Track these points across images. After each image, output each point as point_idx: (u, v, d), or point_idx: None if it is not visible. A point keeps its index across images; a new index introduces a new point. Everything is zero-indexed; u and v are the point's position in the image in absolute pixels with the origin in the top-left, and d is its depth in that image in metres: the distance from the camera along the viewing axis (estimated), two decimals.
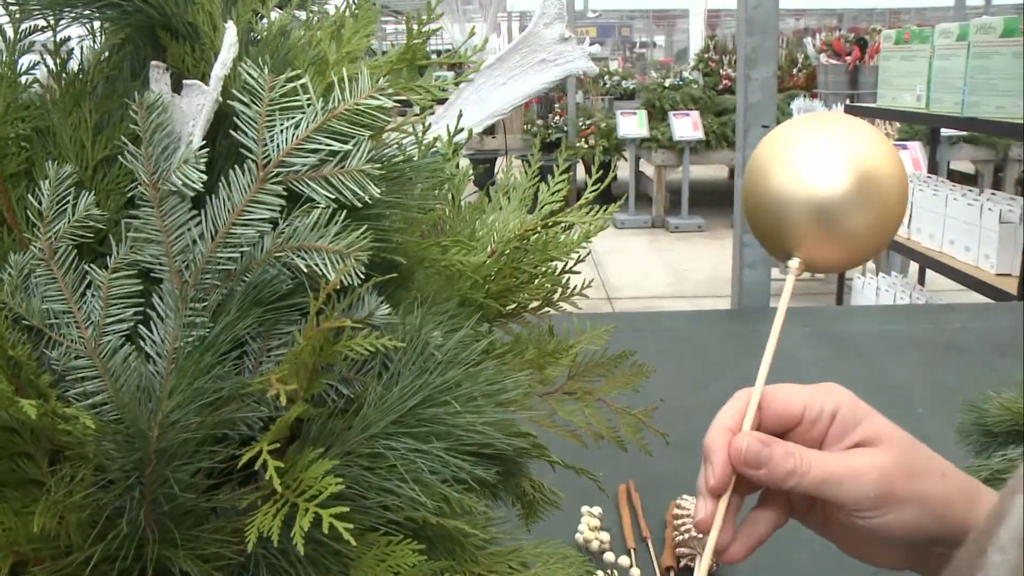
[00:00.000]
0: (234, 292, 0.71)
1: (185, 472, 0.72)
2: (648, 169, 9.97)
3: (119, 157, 0.78)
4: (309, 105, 0.70)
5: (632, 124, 9.04)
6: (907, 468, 0.68)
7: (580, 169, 10.11)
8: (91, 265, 0.77)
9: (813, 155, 0.74)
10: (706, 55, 11.14)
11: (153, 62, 0.73)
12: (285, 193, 0.69)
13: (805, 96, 6.86)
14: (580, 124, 9.92)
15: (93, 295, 0.76)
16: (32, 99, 0.84)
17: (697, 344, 2.28)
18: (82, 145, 0.80)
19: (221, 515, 0.73)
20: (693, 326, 2.43)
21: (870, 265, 5.54)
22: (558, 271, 0.93)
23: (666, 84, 9.98)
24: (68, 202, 0.77)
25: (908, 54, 4.00)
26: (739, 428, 0.71)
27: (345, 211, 0.68)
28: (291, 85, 0.70)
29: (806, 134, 0.76)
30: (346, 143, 0.69)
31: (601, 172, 0.90)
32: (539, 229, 0.87)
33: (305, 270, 0.68)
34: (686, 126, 8.93)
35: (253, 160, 0.69)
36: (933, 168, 4.98)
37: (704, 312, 2.58)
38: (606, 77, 10.94)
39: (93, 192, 0.77)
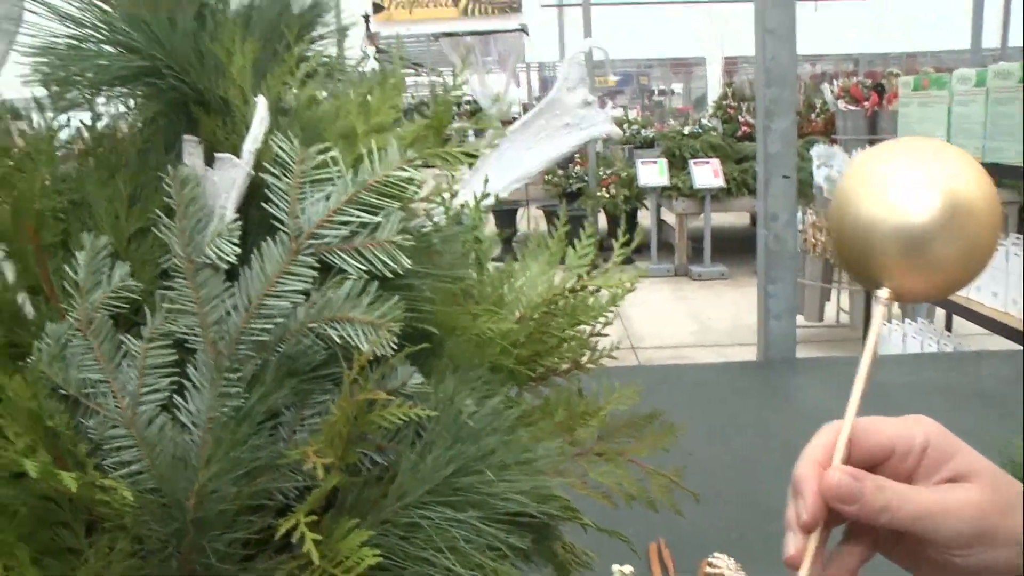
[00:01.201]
0: (268, 362, 0.72)
1: (222, 542, 0.72)
2: (669, 217, 9.98)
3: (153, 229, 0.80)
4: (340, 177, 0.71)
5: (653, 173, 9.07)
6: (1002, 504, 0.67)
7: (602, 218, 10.13)
8: (126, 335, 0.78)
9: (902, 182, 0.71)
10: (724, 102, 11.20)
11: (186, 136, 0.74)
12: (317, 264, 0.70)
13: (824, 142, 6.87)
14: (601, 174, 9.96)
15: (129, 365, 0.77)
16: (68, 172, 0.86)
17: (723, 397, 2.26)
18: (116, 217, 0.82)
19: None
20: (719, 378, 2.42)
21: (896, 311, 5.51)
22: (587, 334, 0.93)
23: (685, 132, 10.02)
24: (104, 273, 0.78)
25: (927, 100, 4.01)
26: (829, 462, 0.69)
27: (377, 281, 0.69)
28: (322, 157, 0.71)
29: (894, 160, 0.72)
30: (376, 214, 0.70)
31: (628, 236, 0.91)
32: (567, 294, 0.88)
33: (339, 340, 0.69)
34: (707, 174, 8.96)
35: (285, 232, 0.70)
36: None
37: (730, 364, 2.57)
38: (625, 126, 11.00)
39: (128, 263, 0.78)
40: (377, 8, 12.78)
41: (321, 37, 0.90)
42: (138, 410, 0.76)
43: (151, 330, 0.76)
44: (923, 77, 4.00)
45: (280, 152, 0.71)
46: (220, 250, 0.70)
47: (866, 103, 6.17)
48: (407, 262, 0.69)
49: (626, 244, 0.89)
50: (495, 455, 0.72)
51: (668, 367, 2.53)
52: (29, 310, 0.87)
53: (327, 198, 0.70)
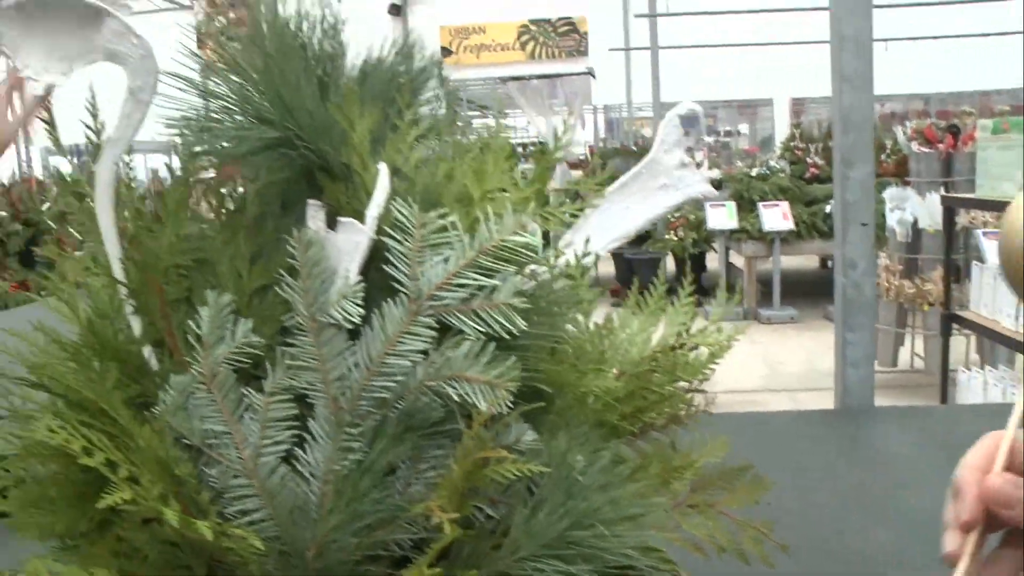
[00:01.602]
0: (388, 418, 0.75)
1: None
2: (738, 260, 9.92)
3: (274, 287, 0.84)
4: (458, 241, 0.74)
5: (722, 216, 9.04)
6: None
7: (670, 261, 10.11)
8: (248, 388, 0.82)
9: None
10: (792, 143, 11.13)
11: (310, 201, 0.78)
12: (436, 325, 0.73)
13: (897, 184, 6.79)
14: (669, 217, 9.95)
15: (251, 417, 0.81)
16: (193, 232, 0.90)
17: (802, 446, 2.25)
18: (239, 275, 0.86)
19: None
20: (797, 426, 2.40)
21: (973, 357, 5.41)
22: (685, 390, 0.95)
23: (753, 174, 9.98)
24: (227, 328, 0.82)
25: (1006, 144, 3.97)
26: (990, 468, 0.71)
27: (494, 342, 0.72)
28: (440, 223, 0.75)
29: None
30: (493, 277, 0.73)
31: (727, 298, 0.93)
32: (668, 352, 0.90)
33: (457, 399, 0.72)
34: (776, 217, 8.90)
35: (406, 294, 0.74)
36: None
37: (807, 412, 2.56)
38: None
39: (250, 319, 0.82)
40: (446, 52, 12.98)
41: (428, 101, 0.94)
42: (260, 461, 0.80)
43: (273, 384, 0.80)
44: (1003, 120, 3.96)
45: (400, 217, 0.75)
46: (346, 311, 0.73)
47: (941, 145, 6.10)
48: (523, 324, 0.72)
49: (695, 291, 0.91)
50: (606, 510, 0.74)
51: (746, 415, 2.52)
52: (154, 362, 0.91)
53: (446, 261, 0.74)
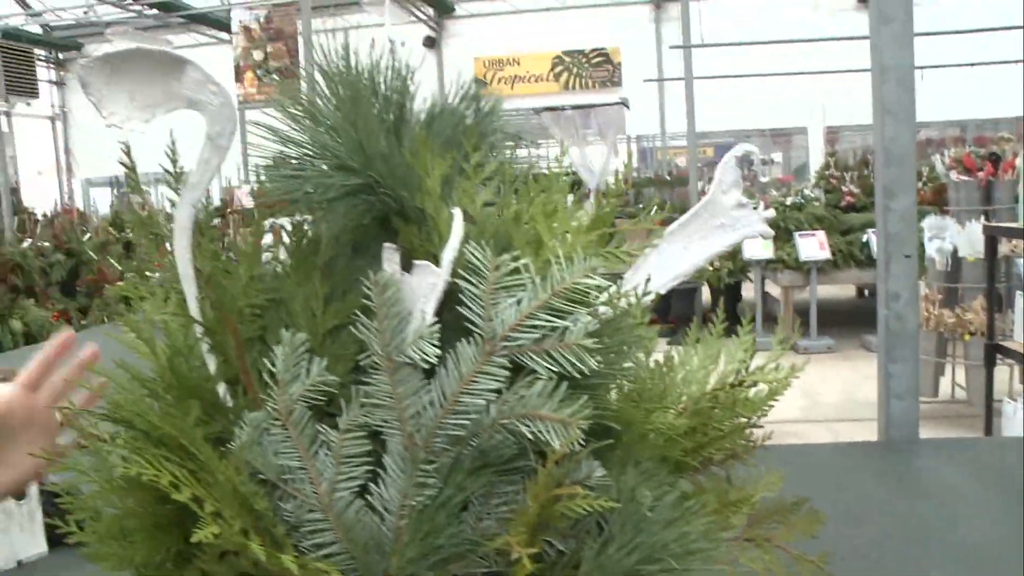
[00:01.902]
0: (462, 455, 0.77)
1: None
2: (774, 289, 9.89)
3: (348, 327, 0.87)
4: (530, 283, 0.76)
5: (757, 246, 9.01)
6: None
7: (705, 291, 10.09)
8: (321, 425, 0.85)
9: None
10: (827, 172, 11.10)
11: (386, 244, 0.81)
12: (510, 365, 0.76)
13: (935, 212, 6.75)
14: None
15: (326, 453, 0.83)
16: (267, 272, 0.93)
17: (846, 480, 2.24)
18: (313, 315, 0.89)
19: None
20: (842, 459, 2.40)
21: (1017, 387, 5.36)
22: (744, 426, 0.97)
23: (788, 203, 9.96)
24: (302, 367, 0.85)
25: None
26: None
27: (566, 381, 0.74)
28: (513, 266, 0.77)
29: None
30: (564, 319, 0.76)
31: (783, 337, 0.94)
32: (728, 389, 0.92)
33: (530, 436, 0.74)
34: (812, 246, 8.87)
35: (480, 334, 0.76)
36: None
37: (853, 444, 2.55)
38: None
39: (324, 358, 0.85)
40: (479, 84, 13.08)
41: (493, 145, 0.97)
42: (335, 496, 0.82)
43: (348, 421, 0.82)
44: None
45: (473, 260, 0.77)
46: (423, 352, 0.76)
47: (980, 173, 6.07)
48: (594, 363, 0.74)
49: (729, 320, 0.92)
50: (674, 545, 0.76)
51: (790, 447, 2.51)
52: (228, 399, 0.94)
53: (518, 303, 0.76)
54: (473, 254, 0.77)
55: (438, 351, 0.76)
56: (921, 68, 2.85)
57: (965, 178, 6.13)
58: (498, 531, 0.77)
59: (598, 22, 16.60)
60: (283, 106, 0.86)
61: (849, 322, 9.59)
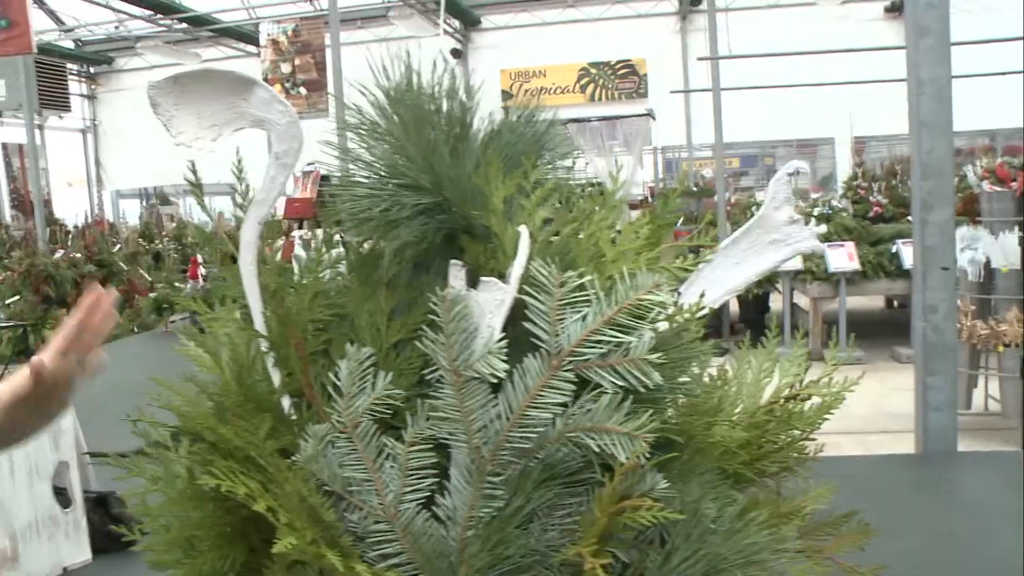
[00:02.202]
0: (530, 467, 0.78)
1: None
2: (802, 300, 9.83)
3: (413, 341, 0.89)
4: (596, 300, 0.78)
5: None
6: None
7: (733, 302, 10.03)
8: (387, 437, 0.87)
9: None
10: (855, 183, 11.02)
11: (453, 261, 0.83)
12: (576, 380, 0.77)
13: (967, 223, 6.68)
14: None
15: (392, 465, 0.85)
16: (331, 288, 0.96)
17: (886, 491, 2.24)
18: (377, 329, 0.91)
19: None
20: (881, 471, 2.40)
21: None
22: (798, 439, 0.98)
23: (815, 214, 9.90)
24: (367, 380, 0.87)
25: None
26: None
27: (631, 395, 0.76)
28: (578, 283, 0.79)
29: None
30: (629, 334, 0.77)
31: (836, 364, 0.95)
32: (783, 403, 0.93)
33: (596, 449, 0.76)
34: (841, 257, 8.80)
35: (546, 349, 0.78)
36: None
37: (890, 457, 2.55)
38: (753, 208, 10.95)
39: (389, 372, 0.87)
40: (506, 95, 13.11)
41: (551, 163, 0.99)
42: (401, 507, 0.84)
43: (414, 434, 0.84)
44: None
45: (539, 276, 0.79)
46: (492, 366, 0.77)
47: (1014, 184, 6.01)
48: (658, 378, 0.76)
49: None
50: (735, 556, 0.77)
51: (829, 459, 2.51)
52: (291, 412, 0.96)
53: (583, 319, 0.78)
54: (539, 271, 0.79)
55: (507, 366, 0.77)
56: (953, 77, 2.84)
57: (998, 188, 6.07)
58: (561, 542, 0.79)
59: (624, 33, 16.60)
60: (347, 124, 0.89)
61: (877, 334, 9.51)
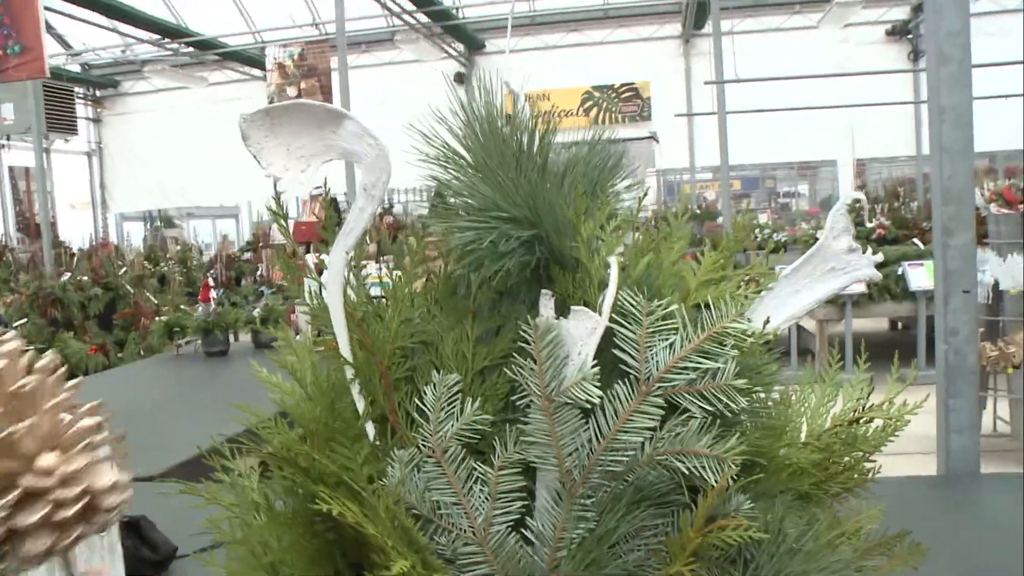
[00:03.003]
0: (619, 490, 0.82)
1: None
2: (808, 323, 9.87)
3: (498, 368, 0.92)
4: (684, 328, 0.82)
5: None
6: None
7: None
8: (475, 461, 0.90)
9: None
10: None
11: (543, 290, 0.86)
12: (664, 405, 0.81)
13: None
14: None
15: (480, 489, 0.88)
16: (416, 316, 0.99)
17: (908, 513, 2.27)
18: (463, 357, 0.94)
19: None
20: (904, 492, 2.42)
21: None
22: (863, 461, 1.01)
23: (818, 236, 9.96)
24: (455, 406, 0.90)
25: None
26: None
27: (719, 419, 0.79)
28: (665, 311, 0.83)
29: None
30: (716, 360, 0.81)
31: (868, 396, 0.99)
32: (848, 425, 0.96)
33: (685, 472, 0.79)
34: None
35: (635, 375, 0.81)
36: None
37: (913, 478, 2.57)
38: (757, 231, 11.02)
39: (476, 398, 0.90)
40: (510, 120, 13.17)
41: (619, 192, 1.03)
42: (490, 530, 0.87)
43: (504, 458, 0.87)
44: None
45: (627, 305, 0.83)
46: (587, 393, 0.81)
47: (1021, 206, 6.08)
48: (744, 402, 0.80)
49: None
50: (821, 574, 0.81)
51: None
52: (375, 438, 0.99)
53: (671, 346, 0.81)
54: (627, 300, 0.83)
55: (600, 393, 0.81)
56: None
57: (1006, 211, 6.13)
58: (649, 562, 0.82)
59: (627, 57, 16.75)
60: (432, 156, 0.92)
61: (883, 356, 9.53)
